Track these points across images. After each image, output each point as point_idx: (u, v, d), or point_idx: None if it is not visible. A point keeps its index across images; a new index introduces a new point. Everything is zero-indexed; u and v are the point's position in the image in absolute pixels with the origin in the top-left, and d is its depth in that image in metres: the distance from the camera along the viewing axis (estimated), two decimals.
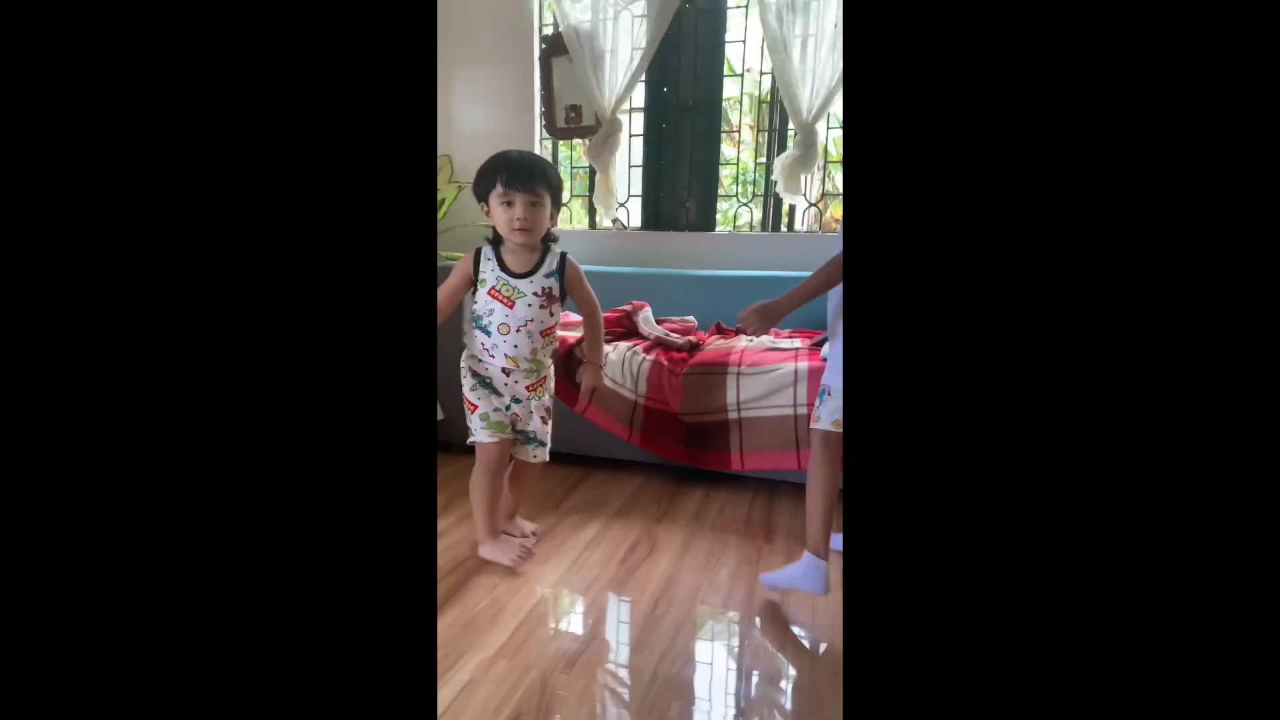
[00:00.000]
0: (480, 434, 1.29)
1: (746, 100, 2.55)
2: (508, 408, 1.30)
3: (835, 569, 1.19)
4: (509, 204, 1.19)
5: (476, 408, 1.29)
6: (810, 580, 1.15)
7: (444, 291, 1.26)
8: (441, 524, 1.49)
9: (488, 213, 1.23)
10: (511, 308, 1.24)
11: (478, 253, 1.26)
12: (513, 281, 1.24)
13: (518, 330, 1.24)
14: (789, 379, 1.58)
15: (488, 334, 1.26)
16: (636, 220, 2.56)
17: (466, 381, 1.30)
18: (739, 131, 2.74)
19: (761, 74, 2.37)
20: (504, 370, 1.28)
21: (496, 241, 1.26)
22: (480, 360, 1.29)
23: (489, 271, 1.25)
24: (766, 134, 2.38)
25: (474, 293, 1.26)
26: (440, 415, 1.93)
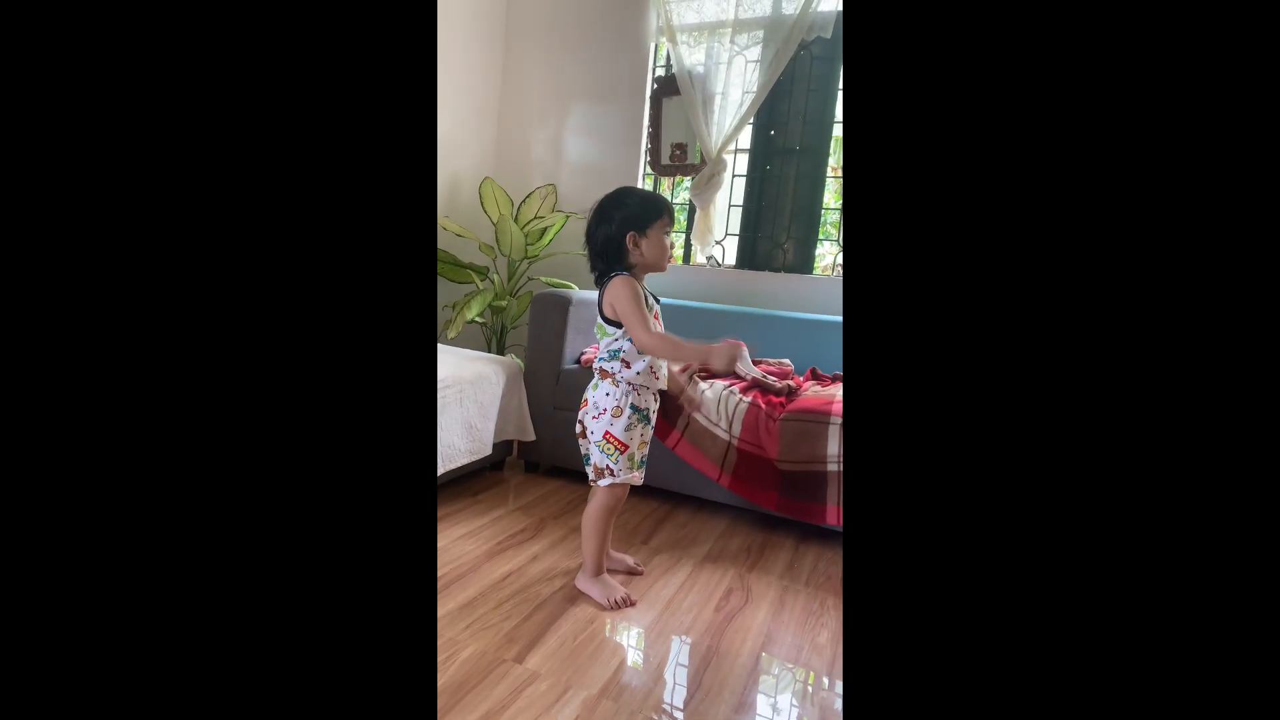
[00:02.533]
0: (624, 475, 1.25)
1: None
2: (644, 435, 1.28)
3: None
4: (667, 235, 1.25)
5: (627, 447, 1.25)
6: None
7: (644, 316, 1.19)
8: (534, 548, 1.50)
9: (635, 242, 1.22)
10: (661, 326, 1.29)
11: (630, 280, 1.22)
12: (655, 303, 1.28)
13: None
14: None
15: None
16: (731, 258, 2.57)
17: (621, 420, 1.25)
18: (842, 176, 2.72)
19: None
20: (662, 392, 1.30)
21: (626, 267, 1.25)
22: (648, 389, 1.27)
23: (649, 295, 1.27)
24: None
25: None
26: (531, 437, 1.96)
